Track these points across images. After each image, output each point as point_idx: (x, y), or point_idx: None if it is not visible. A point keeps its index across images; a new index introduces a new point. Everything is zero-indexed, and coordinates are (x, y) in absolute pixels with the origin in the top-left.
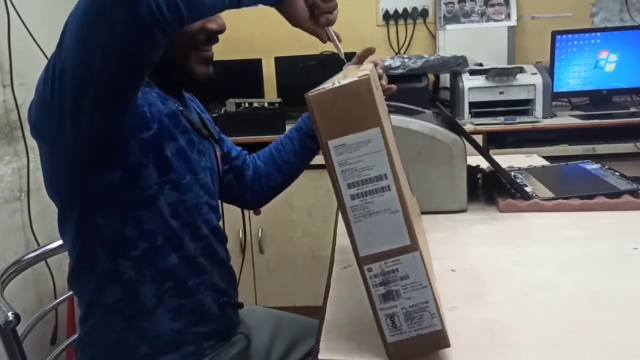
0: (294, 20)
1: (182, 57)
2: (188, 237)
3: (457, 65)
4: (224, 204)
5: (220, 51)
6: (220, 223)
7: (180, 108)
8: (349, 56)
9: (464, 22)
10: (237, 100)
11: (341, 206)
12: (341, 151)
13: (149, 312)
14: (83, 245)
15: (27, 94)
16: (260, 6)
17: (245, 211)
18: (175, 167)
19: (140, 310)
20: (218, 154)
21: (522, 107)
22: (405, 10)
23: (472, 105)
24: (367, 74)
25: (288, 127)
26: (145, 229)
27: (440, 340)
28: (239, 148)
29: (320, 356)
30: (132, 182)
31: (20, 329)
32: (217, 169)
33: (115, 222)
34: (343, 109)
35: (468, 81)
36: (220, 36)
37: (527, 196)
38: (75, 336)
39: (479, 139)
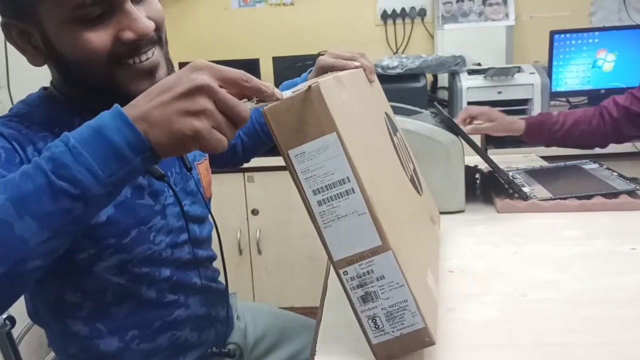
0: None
1: (107, 79)
2: (144, 286)
3: (455, 65)
4: (221, 206)
5: (219, 51)
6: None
7: None
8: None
9: (462, 22)
10: None
11: (310, 213)
12: (302, 159)
13: (115, 359)
14: (31, 300)
15: (23, 95)
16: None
17: (244, 213)
18: (112, 230)
19: (105, 359)
20: (201, 167)
21: (520, 106)
22: (403, 9)
23: (471, 104)
24: (317, 82)
25: None
26: (88, 291)
27: (424, 338)
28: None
29: (317, 358)
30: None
31: (17, 332)
32: (201, 186)
33: (52, 287)
34: (297, 118)
35: (466, 81)
36: (217, 36)
37: (525, 196)
38: None
39: (477, 139)
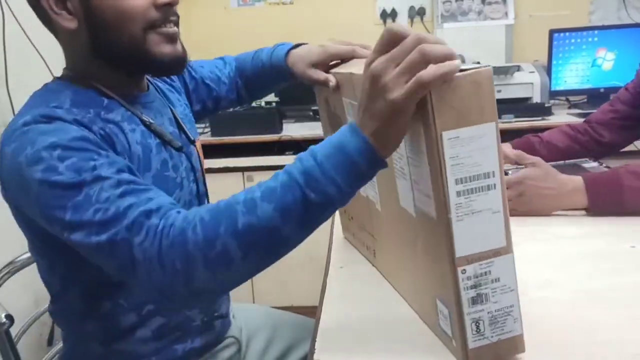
0: None
1: (139, 42)
2: None
3: None
4: None
5: (218, 50)
6: None
7: (150, 121)
8: None
9: (461, 21)
10: None
11: (441, 203)
12: (454, 144)
13: (128, 336)
14: (60, 283)
15: (22, 95)
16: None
17: None
18: None
19: (119, 335)
20: (197, 144)
21: (519, 105)
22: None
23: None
24: (488, 66)
25: (286, 127)
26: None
27: (518, 345)
28: (226, 70)
29: (315, 356)
30: None
31: (15, 330)
32: (200, 166)
33: (90, 269)
34: (461, 99)
35: None
36: (216, 35)
37: None
38: None
39: None
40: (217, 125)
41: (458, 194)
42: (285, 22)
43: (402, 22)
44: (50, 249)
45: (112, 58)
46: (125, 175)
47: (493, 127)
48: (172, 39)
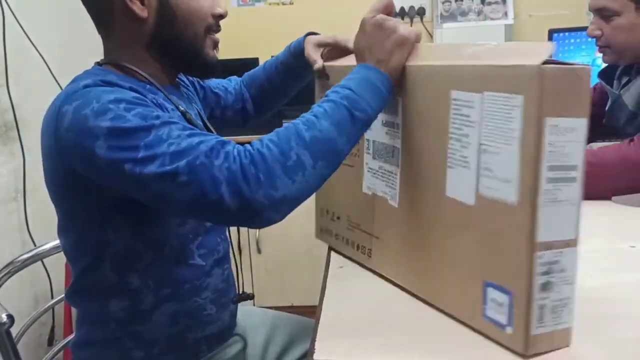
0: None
1: (199, 42)
2: (192, 241)
3: None
4: None
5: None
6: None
7: (186, 110)
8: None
9: (461, 21)
10: None
11: (528, 189)
12: (553, 132)
13: (145, 317)
14: (90, 259)
15: (22, 94)
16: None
17: None
18: None
19: (137, 316)
20: None
21: None
22: (402, 9)
23: None
24: (587, 65)
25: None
26: (154, 240)
27: (568, 337)
28: (233, 83)
29: (315, 356)
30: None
31: (16, 330)
32: None
33: (125, 237)
34: (566, 90)
35: None
36: (217, 35)
37: None
38: (72, 336)
39: None
40: (216, 126)
41: (548, 180)
42: (285, 22)
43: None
44: (90, 213)
45: (168, 51)
46: (188, 125)
47: (584, 122)
48: (217, 45)
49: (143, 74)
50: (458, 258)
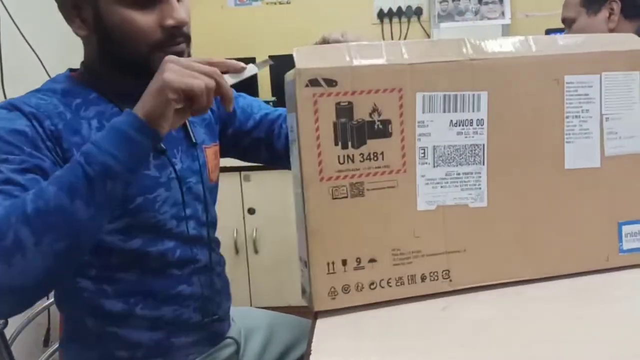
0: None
1: (143, 60)
2: (150, 256)
3: None
4: (218, 205)
5: (215, 49)
6: (206, 227)
7: None
8: None
9: (458, 21)
10: None
11: None
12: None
13: (120, 321)
14: None
15: (18, 94)
16: None
17: (241, 212)
18: None
19: (110, 319)
20: (209, 151)
21: None
22: (399, 8)
23: None
24: None
25: None
26: (96, 252)
27: None
28: (264, 112)
29: (312, 358)
30: None
31: (10, 331)
32: (206, 168)
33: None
34: None
35: None
36: (213, 34)
37: None
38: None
39: None
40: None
41: None
42: (282, 21)
43: (398, 22)
44: None
45: (119, 68)
46: (20, 177)
47: None
48: (182, 56)
49: (102, 90)
50: (588, 214)
